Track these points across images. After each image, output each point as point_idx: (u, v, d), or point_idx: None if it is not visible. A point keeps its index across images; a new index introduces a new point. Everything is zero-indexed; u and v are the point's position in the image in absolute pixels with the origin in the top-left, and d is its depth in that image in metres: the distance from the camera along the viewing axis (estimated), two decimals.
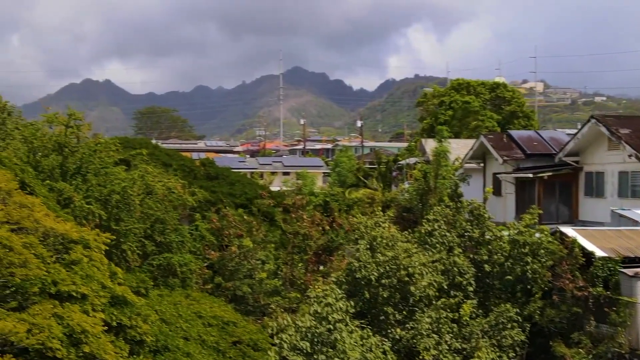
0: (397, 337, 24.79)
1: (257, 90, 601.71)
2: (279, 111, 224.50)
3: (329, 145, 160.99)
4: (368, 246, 25.67)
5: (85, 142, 34.20)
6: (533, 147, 42.02)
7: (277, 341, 23.47)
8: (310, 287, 32.38)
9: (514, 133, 45.06)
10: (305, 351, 21.88)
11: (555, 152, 40.77)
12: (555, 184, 39.20)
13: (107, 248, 22.56)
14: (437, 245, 27.54)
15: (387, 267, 24.81)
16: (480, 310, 26.68)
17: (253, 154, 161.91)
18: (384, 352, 23.70)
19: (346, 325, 22.18)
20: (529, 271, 26.62)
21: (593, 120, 37.22)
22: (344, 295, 24.25)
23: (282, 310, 32.51)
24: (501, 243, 27.79)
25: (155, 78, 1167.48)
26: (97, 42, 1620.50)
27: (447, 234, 28.08)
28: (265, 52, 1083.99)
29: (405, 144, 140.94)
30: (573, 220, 38.62)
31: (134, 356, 20.07)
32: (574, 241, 26.74)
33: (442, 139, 40.90)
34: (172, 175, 47.45)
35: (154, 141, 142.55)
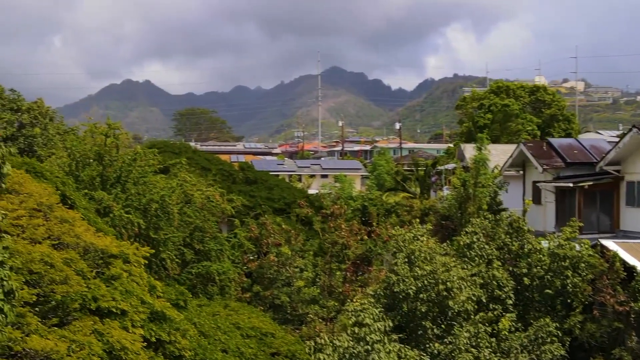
0: (435, 351, 24.67)
1: (295, 90, 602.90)
2: (317, 111, 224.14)
3: (368, 147, 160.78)
4: (406, 260, 25.58)
5: (125, 151, 34.54)
6: (573, 155, 41.53)
7: None
8: (349, 297, 32.44)
9: (554, 141, 44.57)
10: None
11: (596, 160, 40.26)
12: (596, 193, 38.69)
13: (147, 262, 22.70)
14: (476, 258, 27.38)
15: (425, 281, 24.71)
16: (520, 324, 26.46)
17: (291, 155, 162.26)
18: None
19: (384, 345, 22.12)
20: (569, 285, 26.39)
21: (635, 130, 36.69)
22: (382, 309, 24.23)
23: (320, 319, 32.55)
24: (540, 256, 27.54)
25: (194, 78, 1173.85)
26: (137, 43, 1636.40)
27: (486, 246, 27.91)
28: (303, 52, 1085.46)
29: (444, 146, 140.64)
30: (614, 230, 38.13)
31: None
32: (615, 255, 26.46)
33: (482, 147, 40.64)
34: (211, 180, 47.86)
35: (192, 143, 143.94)
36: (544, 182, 41.60)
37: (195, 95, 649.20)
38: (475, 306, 25.80)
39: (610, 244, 27.94)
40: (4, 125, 54.89)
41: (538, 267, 27.39)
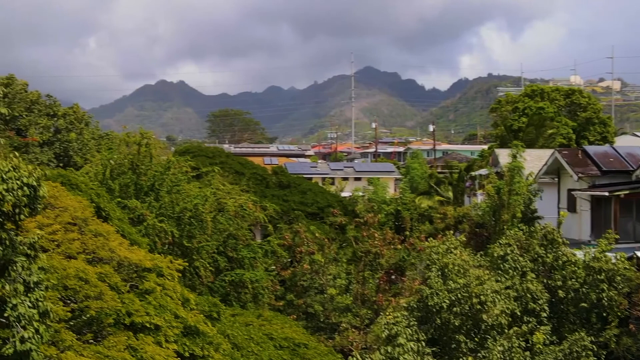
0: None
1: (328, 91, 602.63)
2: (351, 111, 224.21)
3: (401, 149, 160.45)
4: (439, 273, 25.45)
5: (158, 159, 34.78)
6: (609, 163, 41.05)
7: None
8: (382, 307, 32.40)
9: (590, 149, 44.08)
10: None
11: (632, 168, 39.82)
12: (632, 202, 38.19)
13: (180, 270, 22.80)
14: (510, 270, 27.17)
15: (459, 295, 24.55)
16: (554, 337, 26.23)
17: (324, 156, 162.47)
18: None
19: None
20: (605, 298, 26.13)
21: None
22: (415, 322, 24.15)
23: (353, 329, 32.53)
24: (575, 268, 27.28)
25: (228, 79, 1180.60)
26: (171, 44, 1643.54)
27: (520, 258, 27.67)
28: (337, 52, 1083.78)
29: (478, 147, 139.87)
30: None
31: None
32: None
33: (517, 154, 40.27)
34: (244, 185, 48.04)
35: (226, 145, 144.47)
36: (579, 190, 41.19)
37: (229, 96, 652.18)
38: (509, 319, 25.60)
39: None
40: (40, 130, 55.63)
41: (573, 280, 27.12)
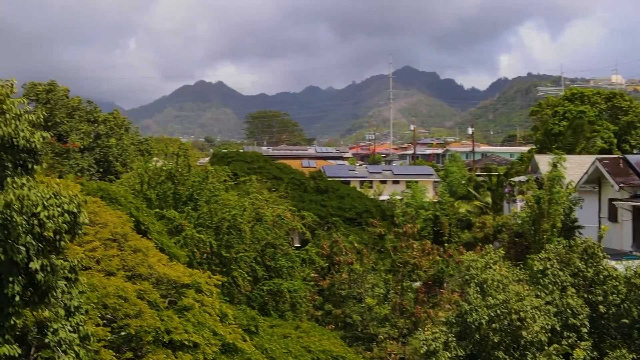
0: None
1: (366, 91, 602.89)
2: (389, 111, 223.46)
3: (440, 150, 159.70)
4: (478, 288, 25.25)
5: (196, 169, 34.95)
6: None
7: None
8: (420, 319, 32.26)
9: (631, 158, 43.47)
10: None
11: None
12: None
13: (219, 290, 22.86)
14: (550, 285, 26.84)
15: (498, 311, 24.32)
16: (595, 353, 25.86)
17: (362, 158, 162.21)
18: None
19: None
20: None
21: None
22: (454, 338, 24.01)
23: (391, 340, 32.44)
24: (616, 283, 26.88)
25: (266, 79, 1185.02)
26: (209, 44, 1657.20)
27: (560, 272, 27.33)
28: (375, 52, 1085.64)
29: (517, 149, 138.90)
30: None
31: None
32: None
33: (558, 163, 39.87)
34: (282, 191, 48.14)
35: (264, 147, 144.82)
36: (621, 200, 40.69)
37: (267, 96, 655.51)
38: (549, 334, 25.31)
39: None
40: (81, 136, 56.27)
41: (614, 295, 26.71)
